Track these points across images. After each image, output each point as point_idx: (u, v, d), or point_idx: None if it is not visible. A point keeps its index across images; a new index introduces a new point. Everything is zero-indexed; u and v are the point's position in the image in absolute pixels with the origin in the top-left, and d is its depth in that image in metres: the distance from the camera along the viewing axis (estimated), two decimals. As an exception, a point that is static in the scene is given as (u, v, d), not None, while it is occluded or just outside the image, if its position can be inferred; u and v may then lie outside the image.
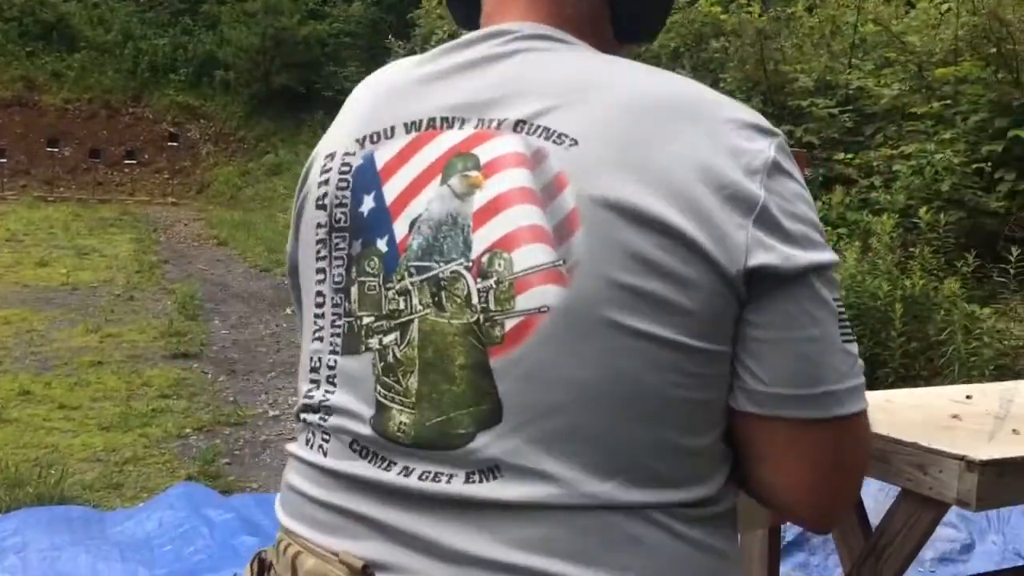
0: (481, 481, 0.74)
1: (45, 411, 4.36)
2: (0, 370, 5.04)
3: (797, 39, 8.58)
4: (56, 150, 14.35)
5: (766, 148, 0.75)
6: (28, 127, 15.09)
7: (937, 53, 7.29)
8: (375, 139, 0.82)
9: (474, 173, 0.76)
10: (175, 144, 15.40)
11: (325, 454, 0.80)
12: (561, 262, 0.73)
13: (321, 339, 0.82)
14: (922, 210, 5.60)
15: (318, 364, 0.82)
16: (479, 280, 0.75)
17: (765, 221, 0.72)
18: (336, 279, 0.81)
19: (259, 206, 13.45)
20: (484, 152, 0.77)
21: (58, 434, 4.06)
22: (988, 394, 1.70)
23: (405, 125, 0.81)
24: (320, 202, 0.83)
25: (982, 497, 1.24)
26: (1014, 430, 1.42)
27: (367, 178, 0.81)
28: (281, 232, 10.42)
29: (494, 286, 0.75)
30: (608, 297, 0.72)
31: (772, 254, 0.72)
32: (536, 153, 0.75)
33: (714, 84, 6.75)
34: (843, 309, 0.77)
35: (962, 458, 1.24)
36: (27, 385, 4.73)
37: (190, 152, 16.04)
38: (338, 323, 0.80)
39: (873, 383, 4.26)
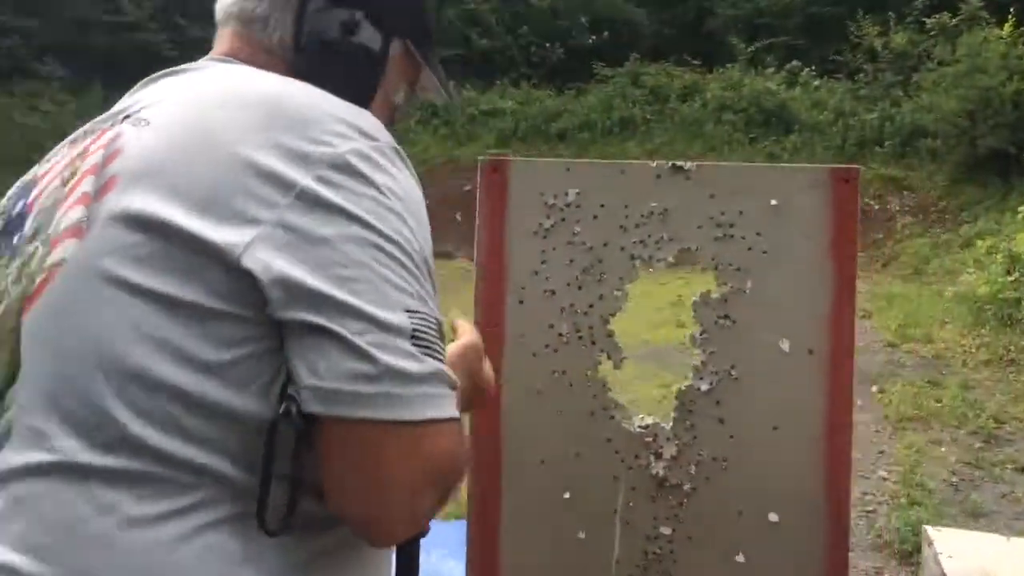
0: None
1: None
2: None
3: None
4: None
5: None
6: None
7: None
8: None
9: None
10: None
11: None
12: (85, 218, 0.80)
13: None
14: None
15: None
16: (34, 247, 0.83)
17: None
18: None
19: (939, 279, 12.78)
20: (95, 143, 0.87)
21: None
22: None
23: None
24: None
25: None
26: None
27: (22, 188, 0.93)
28: (928, 302, 9.92)
29: (40, 247, 0.82)
30: (111, 249, 0.77)
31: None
32: (116, 137, 0.85)
33: None
34: None
35: None
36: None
37: (885, 225, 15.98)
38: None
39: None
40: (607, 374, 1.68)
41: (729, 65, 19.28)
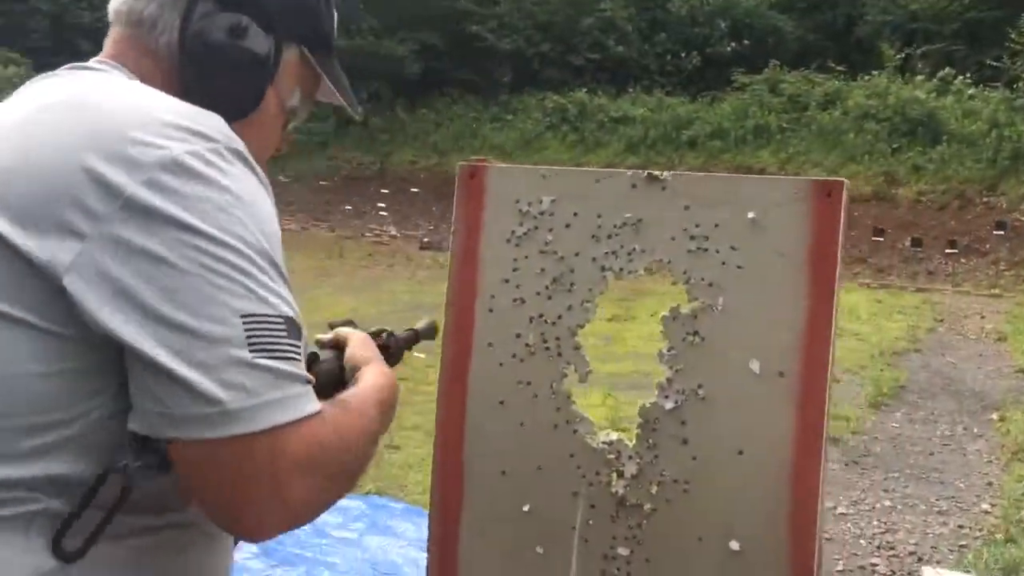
0: None
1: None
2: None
3: None
4: (881, 239, 15.04)
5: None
6: (880, 219, 16.11)
7: None
8: None
9: None
10: (1001, 233, 14.52)
11: None
12: None
13: None
14: None
15: None
16: None
17: None
18: None
19: (1094, 303, 11.79)
20: None
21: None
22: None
23: None
24: None
25: None
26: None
27: None
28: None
29: None
30: None
31: None
32: None
33: None
34: None
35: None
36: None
37: (1036, 242, 14.87)
38: None
39: None
40: (571, 387, 1.64)
41: (875, 72, 18.50)
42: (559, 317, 1.64)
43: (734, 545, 1.51)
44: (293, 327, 0.84)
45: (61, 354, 0.77)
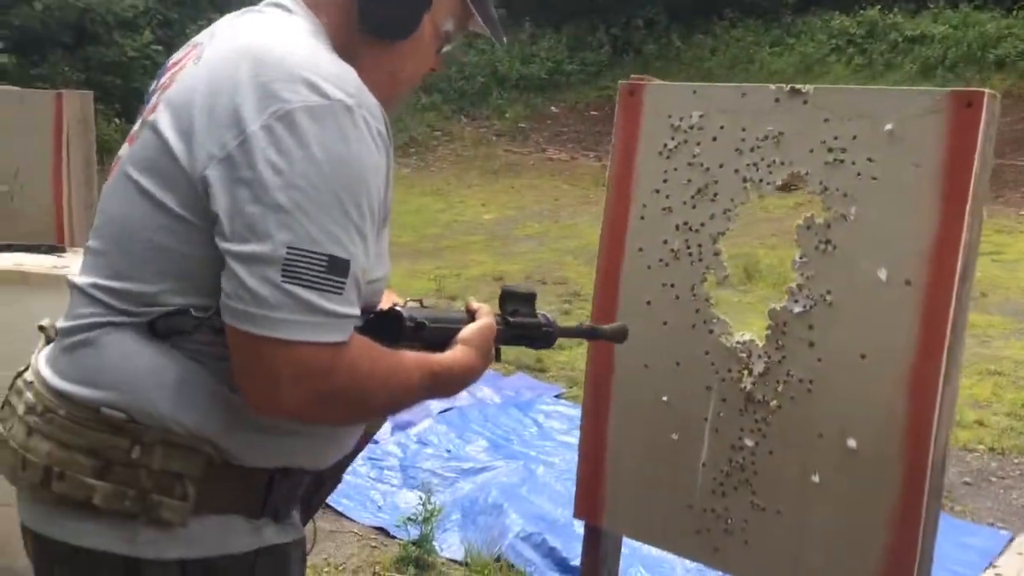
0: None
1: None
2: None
3: None
4: None
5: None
6: None
7: None
8: None
9: None
10: None
11: None
12: (138, 128, 1.13)
13: None
14: None
15: None
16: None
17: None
18: None
19: None
20: (179, 63, 1.18)
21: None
22: None
23: None
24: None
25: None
26: None
27: None
28: None
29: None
30: (137, 157, 1.08)
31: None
32: (182, 67, 1.13)
33: None
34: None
35: None
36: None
37: None
38: None
39: None
40: (711, 290, 1.77)
41: None
42: (702, 225, 1.76)
43: (851, 443, 1.59)
44: (337, 265, 0.98)
45: (190, 235, 1.03)
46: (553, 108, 16.93)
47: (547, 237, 10.18)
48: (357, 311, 1.04)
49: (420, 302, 1.34)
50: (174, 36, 14.34)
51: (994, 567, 1.54)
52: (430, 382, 1.15)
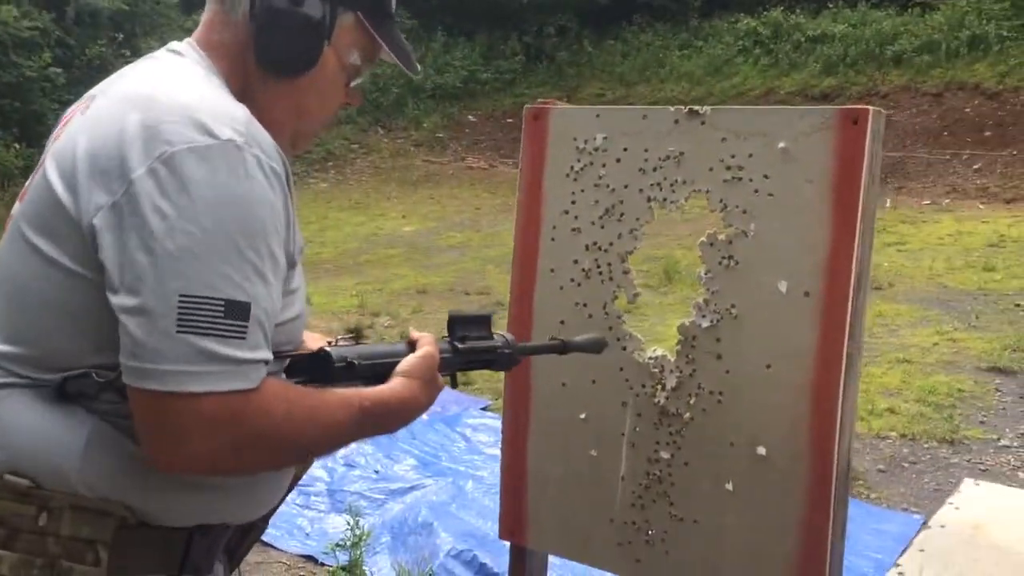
0: None
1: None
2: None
3: None
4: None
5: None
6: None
7: None
8: None
9: None
10: None
11: None
12: (28, 185, 1.11)
13: None
14: None
15: None
16: None
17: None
18: None
19: None
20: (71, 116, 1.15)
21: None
22: None
23: None
24: None
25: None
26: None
27: None
28: None
29: None
30: (24, 215, 1.06)
31: None
32: (72, 117, 1.12)
33: None
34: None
35: None
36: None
37: None
38: None
39: None
40: (622, 308, 1.81)
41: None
42: (611, 244, 1.80)
43: (761, 451, 1.65)
44: (236, 309, 0.95)
45: (85, 289, 1.00)
46: (470, 116, 16.98)
47: (469, 247, 10.20)
48: (265, 355, 1.01)
49: (355, 338, 1.31)
50: (73, 57, 13.93)
51: (897, 566, 1.61)
52: (361, 417, 1.11)
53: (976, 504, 1.80)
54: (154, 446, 0.99)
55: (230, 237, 0.97)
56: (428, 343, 1.24)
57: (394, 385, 1.17)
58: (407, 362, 1.20)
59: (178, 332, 0.94)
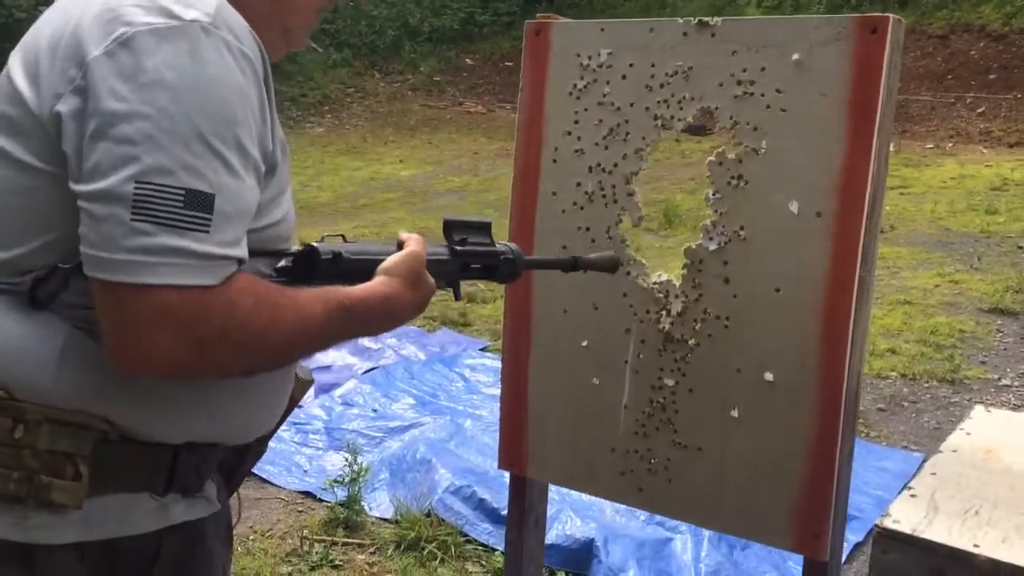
0: None
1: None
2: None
3: None
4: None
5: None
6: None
7: None
8: None
9: None
10: None
11: None
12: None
13: None
14: None
15: None
16: None
17: None
18: None
19: None
20: None
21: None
22: None
23: None
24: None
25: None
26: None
27: None
28: None
29: None
30: None
31: None
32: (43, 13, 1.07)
33: None
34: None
35: None
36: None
37: None
38: None
39: None
40: (627, 231, 1.75)
41: None
42: (615, 166, 1.73)
43: (768, 376, 1.60)
44: (198, 200, 0.89)
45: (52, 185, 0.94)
46: (468, 60, 16.72)
47: (467, 191, 10.10)
48: (235, 252, 0.93)
49: (343, 236, 1.23)
50: (65, -4, 13.61)
51: (909, 488, 1.57)
52: (340, 315, 1.04)
53: (988, 430, 1.76)
54: (112, 342, 0.91)
55: (193, 123, 0.90)
56: (415, 243, 1.16)
57: (375, 283, 1.09)
58: (390, 260, 1.12)
59: (132, 219, 0.87)
